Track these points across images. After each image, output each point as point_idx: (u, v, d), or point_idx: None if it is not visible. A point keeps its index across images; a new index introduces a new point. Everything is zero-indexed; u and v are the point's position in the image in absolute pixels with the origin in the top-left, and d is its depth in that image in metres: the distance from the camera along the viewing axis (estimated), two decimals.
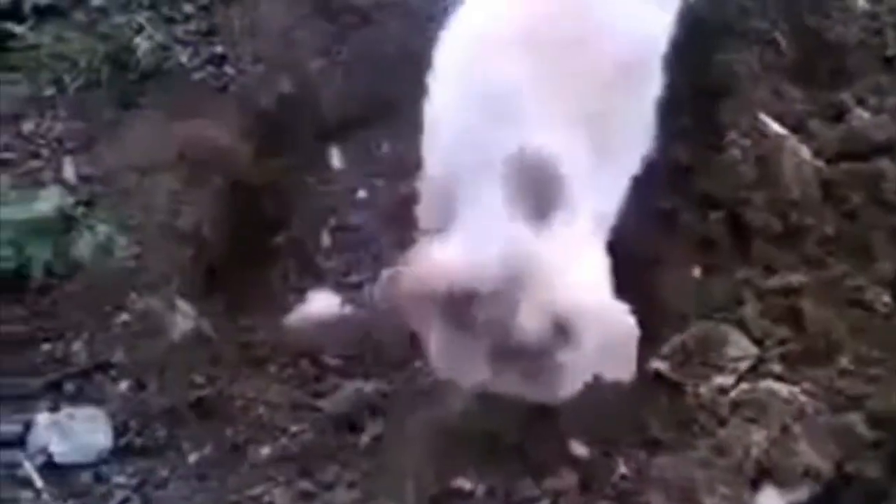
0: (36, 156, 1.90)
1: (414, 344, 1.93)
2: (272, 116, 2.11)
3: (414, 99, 2.14)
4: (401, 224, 2.13)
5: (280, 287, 2.06)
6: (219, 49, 2.08)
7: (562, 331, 1.26)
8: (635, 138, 1.45)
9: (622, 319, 1.27)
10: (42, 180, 1.86)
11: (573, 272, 1.28)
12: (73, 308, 1.75)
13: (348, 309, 2.04)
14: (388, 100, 2.19)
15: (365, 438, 1.79)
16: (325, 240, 2.13)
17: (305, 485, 1.66)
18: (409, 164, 2.14)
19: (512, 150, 1.33)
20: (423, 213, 1.55)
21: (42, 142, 1.92)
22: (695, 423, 1.67)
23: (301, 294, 2.04)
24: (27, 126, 1.93)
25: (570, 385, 1.31)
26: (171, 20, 2.07)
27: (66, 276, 1.75)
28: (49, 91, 1.96)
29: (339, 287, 2.06)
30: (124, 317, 1.75)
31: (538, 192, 1.30)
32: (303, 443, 1.75)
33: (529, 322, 1.25)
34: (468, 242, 1.30)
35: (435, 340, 1.33)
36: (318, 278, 2.09)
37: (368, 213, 2.14)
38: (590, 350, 1.27)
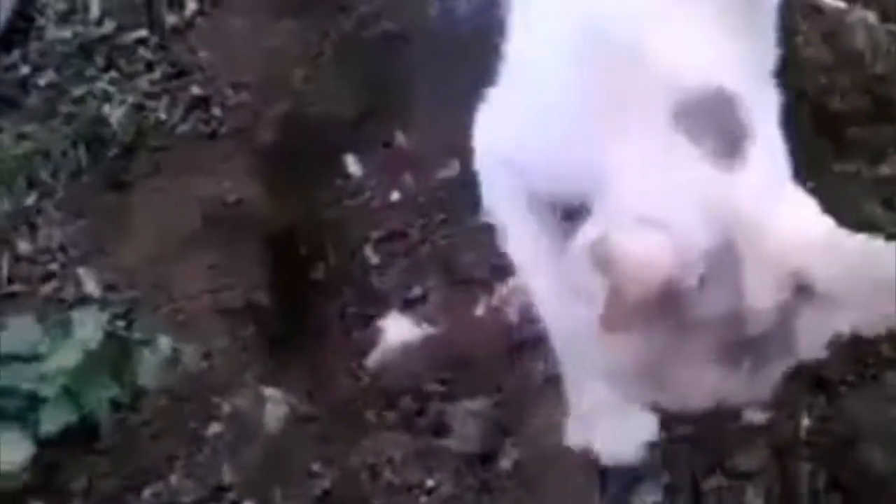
0: (47, 278, 1.58)
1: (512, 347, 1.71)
2: (275, 146, 1.81)
3: (413, 79, 1.88)
4: (447, 213, 1.88)
5: (342, 325, 1.80)
6: (195, 90, 1.75)
7: (803, 289, 0.97)
8: (770, 48, 1.17)
9: (883, 251, 0.96)
10: (64, 299, 1.54)
11: (790, 213, 1.00)
12: (157, 438, 1.47)
13: (425, 326, 1.80)
14: (386, 86, 1.91)
15: (505, 464, 1.55)
16: (372, 257, 1.86)
17: None
18: (433, 147, 1.89)
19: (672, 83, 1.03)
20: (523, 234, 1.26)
21: (46, 258, 1.59)
22: None
23: (368, 324, 1.80)
24: (23, 246, 1.60)
25: (813, 351, 1.02)
26: (132, 75, 1.72)
27: (133, 406, 1.46)
28: (30, 198, 1.62)
29: (404, 305, 1.81)
30: (215, 428, 1.47)
31: (724, 129, 1.01)
32: (443, 496, 1.51)
33: (763, 293, 0.96)
34: (658, 220, 0.98)
35: (647, 360, 1.03)
36: (380, 302, 1.83)
37: (408, 214, 1.87)
38: (839, 300, 0.97)
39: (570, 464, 1.55)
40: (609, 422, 1.40)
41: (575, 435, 1.44)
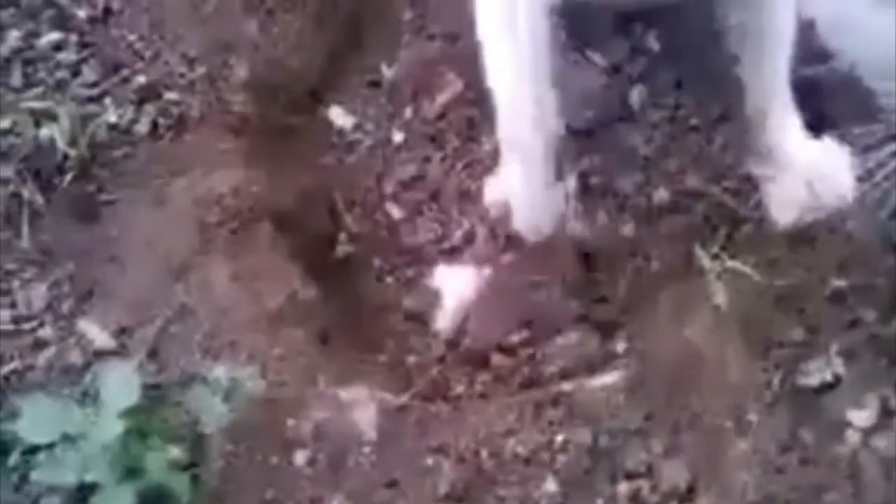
0: (41, 345, 1.27)
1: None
2: (251, 118, 1.51)
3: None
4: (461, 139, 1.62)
5: (387, 296, 1.54)
6: (140, 79, 1.44)
7: None
8: None
9: None
10: (72, 363, 1.24)
11: None
12: (240, 488, 1.19)
13: (484, 270, 1.55)
14: (357, 17, 1.62)
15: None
16: (395, 212, 1.59)
17: None
18: (425, 70, 1.62)
19: None
20: None
21: (33, 325, 1.28)
22: None
23: (414, 287, 1.54)
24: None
25: None
26: (61, 84, 1.41)
27: (200, 460, 1.18)
28: None
29: (449, 253, 1.55)
30: (303, 455, 1.20)
31: None
32: (582, 447, 1.26)
33: None
34: None
35: None
36: (420, 259, 1.57)
37: (420, 152, 1.60)
38: None
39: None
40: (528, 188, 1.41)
41: (493, 191, 1.47)
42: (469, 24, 1.48)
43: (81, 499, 1.11)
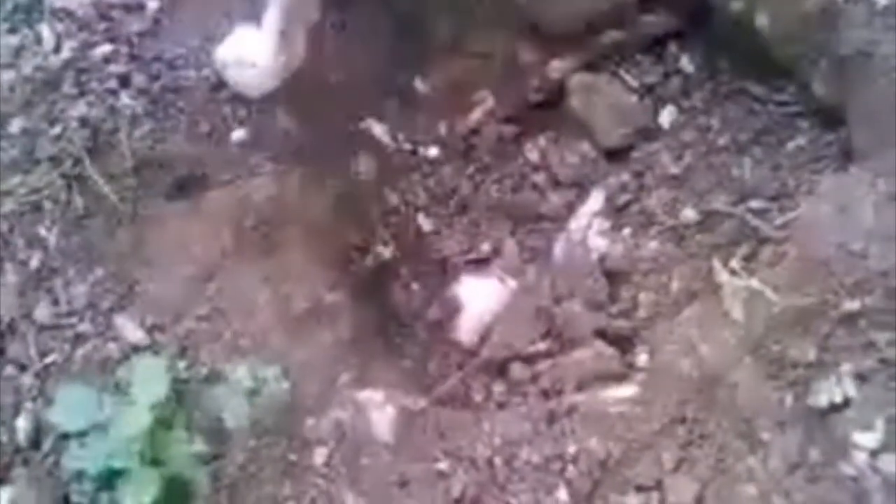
0: (81, 340, 1.34)
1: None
2: (290, 131, 1.57)
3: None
4: (492, 155, 1.66)
5: (413, 304, 1.58)
6: None
7: None
8: None
9: None
10: (108, 356, 1.30)
11: None
12: (258, 482, 1.23)
13: (509, 281, 1.58)
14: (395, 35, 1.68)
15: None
16: (426, 223, 1.63)
17: None
18: (459, 86, 1.67)
19: None
20: None
21: (73, 320, 1.35)
22: None
23: (439, 296, 1.58)
24: (43, 313, 1.36)
25: None
26: (111, 92, 1.48)
27: (221, 454, 1.23)
28: (34, 259, 1.38)
29: (476, 264, 1.59)
30: (322, 453, 1.25)
31: None
32: (594, 460, 1.28)
33: None
34: None
35: None
36: (447, 269, 1.61)
37: (454, 166, 1.64)
38: None
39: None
40: None
41: None
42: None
43: (109, 485, 1.16)
